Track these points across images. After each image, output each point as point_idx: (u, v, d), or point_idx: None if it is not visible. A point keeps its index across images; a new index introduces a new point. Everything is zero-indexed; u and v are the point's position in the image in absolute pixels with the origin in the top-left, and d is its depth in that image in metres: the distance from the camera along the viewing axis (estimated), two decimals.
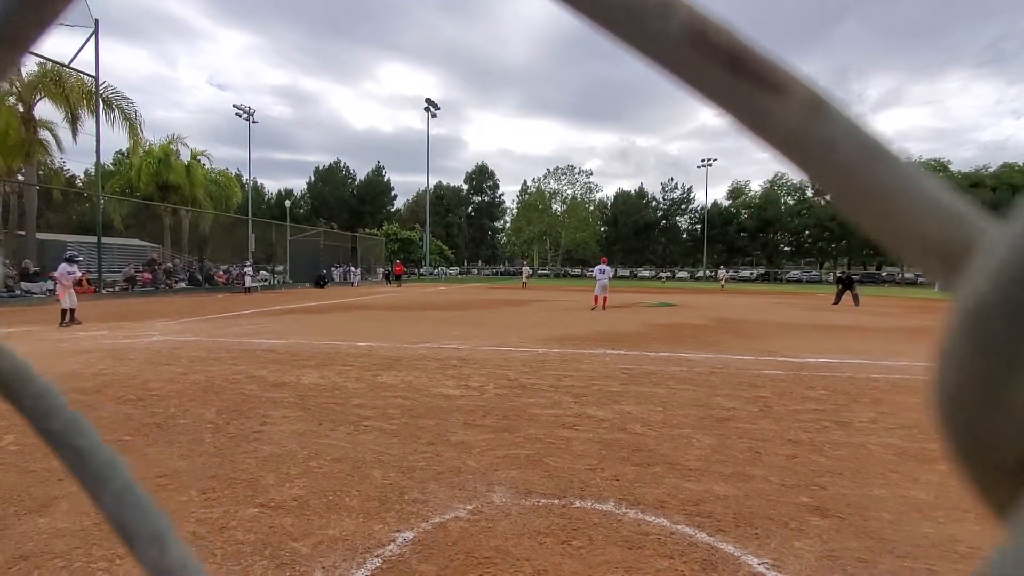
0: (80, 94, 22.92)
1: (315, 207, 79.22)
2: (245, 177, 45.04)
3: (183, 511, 2.94)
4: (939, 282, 0.16)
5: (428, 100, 54.17)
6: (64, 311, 11.35)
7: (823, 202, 67.09)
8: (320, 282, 34.40)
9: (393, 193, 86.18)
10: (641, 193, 78.93)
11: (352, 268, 40.49)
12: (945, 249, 0.16)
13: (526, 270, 39.00)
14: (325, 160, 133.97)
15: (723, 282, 41.58)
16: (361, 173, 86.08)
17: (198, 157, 34.41)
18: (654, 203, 79.02)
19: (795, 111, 0.17)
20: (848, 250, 66.12)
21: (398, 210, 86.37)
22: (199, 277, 29.31)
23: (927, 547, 2.65)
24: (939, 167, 64.52)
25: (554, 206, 77.09)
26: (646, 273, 74.75)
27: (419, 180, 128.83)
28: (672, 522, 2.87)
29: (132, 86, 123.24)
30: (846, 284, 22.24)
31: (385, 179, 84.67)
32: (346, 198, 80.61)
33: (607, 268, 17.65)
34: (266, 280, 34.16)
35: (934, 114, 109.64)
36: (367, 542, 2.63)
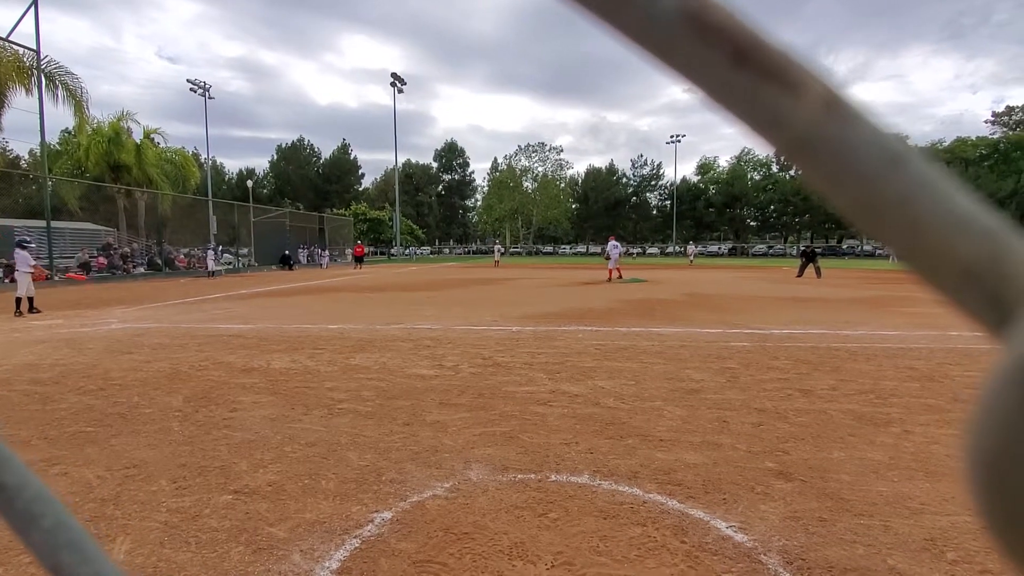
0: (12, 69, 21.36)
1: (279, 187, 76.87)
2: (204, 156, 43.28)
3: (153, 501, 2.88)
4: (964, 310, 0.15)
5: (394, 75, 52.80)
6: (19, 299, 10.80)
7: (788, 176, 68.53)
8: (287, 264, 33.63)
9: (360, 172, 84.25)
10: (612, 170, 79.20)
11: (319, 250, 39.67)
12: (970, 270, 0.14)
13: (498, 249, 38.88)
14: (287, 137, 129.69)
15: (692, 257, 42.38)
16: (326, 151, 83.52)
17: (151, 136, 32.83)
18: (624, 180, 79.46)
19: (809, 111, 0.15)
20: (811, 224, 68.09)
21: (366, 189, 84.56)
22: (159, 261, 28.28)
23: (882, 505, 2.80)
24: None
25: (525, 183, 76.75)
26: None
27: (387, 158, 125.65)
28: (645, 491, 2.96)
29: (75, 59, 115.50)
30: (809, 257, 22.96)
31: (351, 157, 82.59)
32: (311, 177, 78.41)
33: (617, 244, 20.77)
34: (230, 263, 33.19)
35: (896, 89, 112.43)
36: (345, 524, 2.63)
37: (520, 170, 77.17)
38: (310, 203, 70.86)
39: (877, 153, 0.15)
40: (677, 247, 69.38)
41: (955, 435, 3.80)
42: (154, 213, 33.58)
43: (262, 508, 2.79)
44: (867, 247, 62.55)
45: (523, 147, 78.98)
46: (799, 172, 0.16)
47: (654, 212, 79.51)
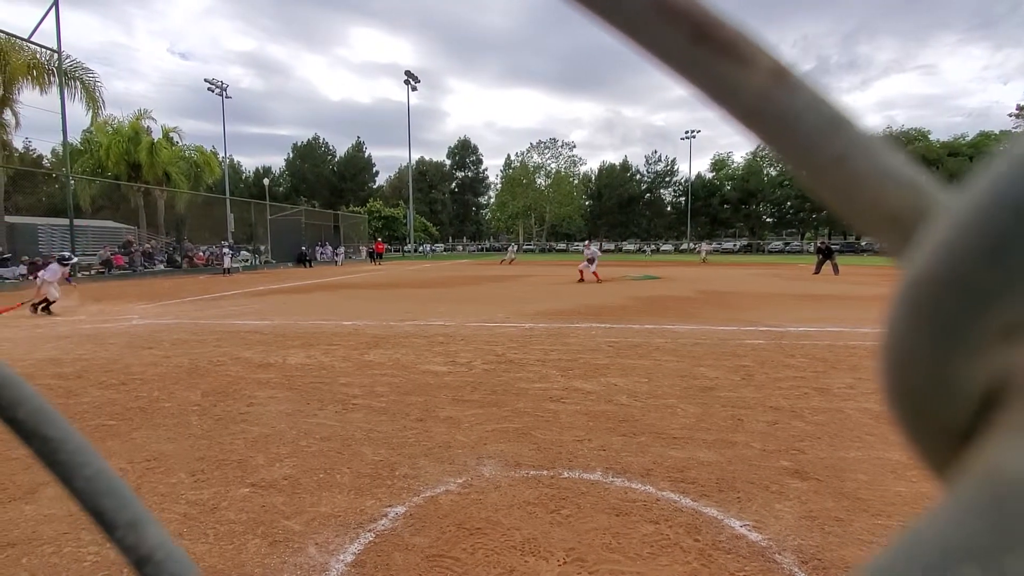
0: (25, 68, 21.69)
1: (295, 185, 77.66)
2: (221, 154, 43.90)
3: (173, 493, 2.94)
4: (891, 252, 0.16)
5: (408, 73, 52.97)
6: (38, 303, 10.71)
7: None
8: (303, 261, 33.99)
9: (375, 169, 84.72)
10: (625, 166, 78.65)
11: (331, 247, 40.01)
12: (897, 218, 0.16)
13: (512, 248, 38.68)
14: (301, 134, 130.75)
15: (704, 255, 41.77)
16: (341, 148, 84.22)
17: (170, 134, 33.37)
18: (638, 176, 78.85)
19: (759, 82, 0.17)
20: (828, 221, 66.96)
21: (380, 187, 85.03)
22: (177, 259, 28.76)
23: (900, 505, 2.76)
24: (919, 136, 65.16)
25: (538, 180, 76.53)
26: (631, 246, 75.10)
27: (400, 155, 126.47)
28: (658, 489, 2.95)
29: (88, 55, 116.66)
30: (826, 254, 22.57)
31: (366, 155, 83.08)
32: (327, 175, 79.07)
33: (594, 247, 20.77)
34: (247, 260, 33.65)
35: (923, 80, 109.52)
36: (359, 518, 2.66)
37: (533, 167, 76.99)
38: (325, 201, 71.48)
39: (818, 118, 0.16)
40: (692, 244, 68.79)
41: None
42: (173, 211, 34.20)
43: (278, 501, 2.83)
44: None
45: (535, 144, 78.85)
46: (752, 135, 0.17)
47: (668, 209, 78.81)
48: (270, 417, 4.16)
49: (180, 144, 34.04)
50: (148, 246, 28.29)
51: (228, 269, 26.41)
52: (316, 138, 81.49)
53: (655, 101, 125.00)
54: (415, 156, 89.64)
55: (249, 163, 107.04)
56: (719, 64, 0.17)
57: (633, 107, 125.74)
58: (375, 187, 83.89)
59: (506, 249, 38.65)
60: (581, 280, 18.53)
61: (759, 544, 2.42)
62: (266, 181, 52.02)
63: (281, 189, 76.52)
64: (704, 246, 43.83)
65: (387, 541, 2.45)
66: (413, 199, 58.98)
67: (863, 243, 62.70)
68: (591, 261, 18.77)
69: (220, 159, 41.38)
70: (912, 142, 63.76)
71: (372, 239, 46.87)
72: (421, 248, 60.84)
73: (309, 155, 79.58)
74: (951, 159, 56.34)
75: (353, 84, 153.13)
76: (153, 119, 32.79)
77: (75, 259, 11.84)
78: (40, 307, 10.76)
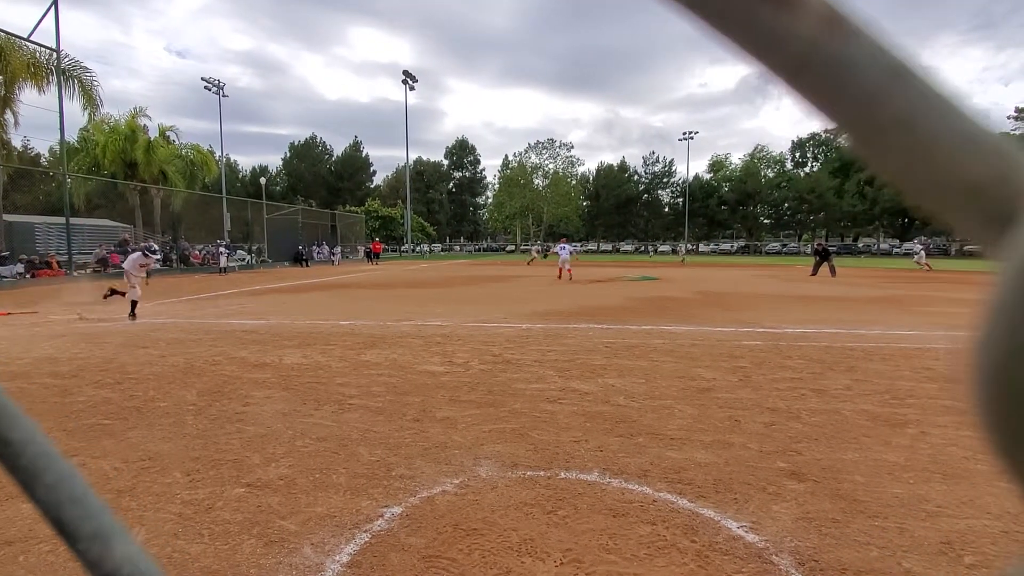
0: (25, 68, 21.59)
1: (291, 184, 77.47)
2: (217, 153, 43.79)
3: (168, 493, 2.92)
4: (966, 231, 0.14)
5: (406, 72, 52.92)
6: (134, 302, 9.77)
7: (803, 174, 67.51)
8: (300, 261, 33.91)
9: (372, 169, 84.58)
10: (623, 167, 78.71)
11: (328, 247, 39.93)
12: (977, 190, 0.13)
13: (536, 248, 38.40)
14: (298, 133, 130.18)
15: (683, 256, 40.92)
16: (338, 147, 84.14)
17: (167, 132, 33.25)
18: (636, 177, 78.92)
19: (808, 29, 0.14)
20: (826, 222, 67.16)
21: (378, 186, 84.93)
22: (173, 257, 28.66)
23: (897, 507, 2.76)
24: None
25: (536, 181, 76.54)
26: (628, 247, 75.16)
27: (398, 155, 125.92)
28: (655, 490, 2.95)
29: (85, 55, 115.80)
30: (823, 256, 22.63)
31: (363, 155, 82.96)
32: (324, 175, 78.91)
33: (567, 246, 22.64)
34: (244, 259, 33.55)
35: None
36: (355, 518, 2.65)
37: (531, 167, 76.99)
38: (322, 200, 71.31)
39: (878, 70, 0.14)
40: (689, 245, 68.93)
41: (975, 437, 3.73)
42: (169, 210, 34.08)
43: (274, 501, 2.82)
44: (883, 246, 61.62)
45: (533, 144, 78.84)
46: (797, 95, 0.15)
47: (666, 210, 78.90)
48: (266, 417, 4.15)
49: (177, 143, 33.92)
50: (145, 245, 28.13)
51: (224, 268, 26.34)
52: (313, 137, 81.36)
53: (654, 102, 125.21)
54: (413, 156, 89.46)
55: (246, 162, 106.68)
56: (762, 8, 0.14)
57: (632, 108, 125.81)
58: (372, 187, 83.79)
59: (529, 250, 38.32)
60: (560, 278, 20.84)
61: (756, 545, 2.42)
62: (263, 180, 51.84)
63: (278, 188, 76.31)
64: (682, 247, 43.08)
65: (383, 542, 2.44)
66: (411, 199, 58.92)
67: (860, 245, 62.87)
68: (564, 260, 21.62)
69: (217, 158, 41.29)
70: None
71: (369, 239, 46.79)
72: (419, 248, 60.78)
73: (306, 154, 79.43)
74: None
75: (351, 83, 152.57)
76: (149, 117, 32.72)
77: (159, 252, 11.05)
78: (128, 305, 9.70)
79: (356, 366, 5.80)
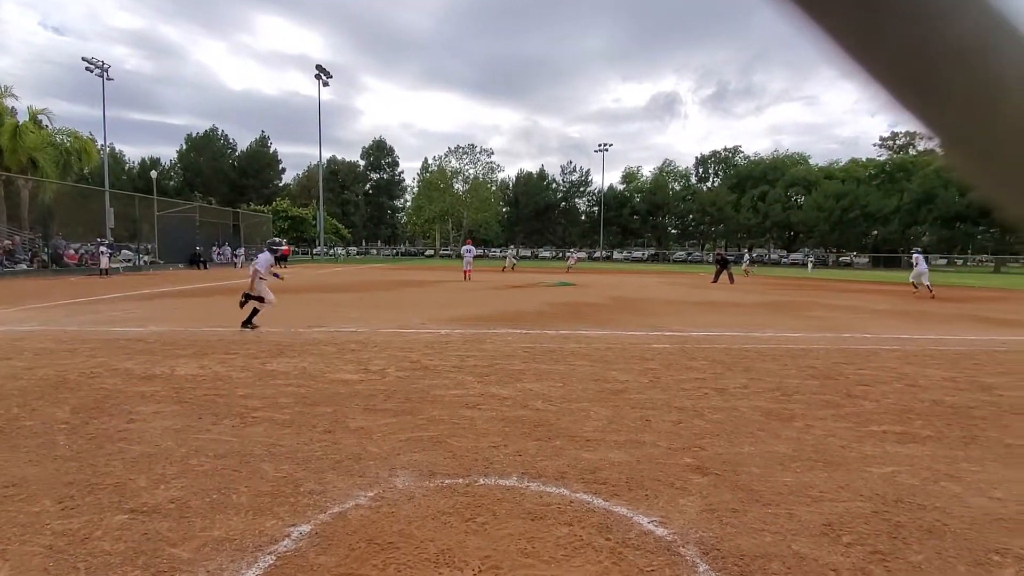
0: None
1: (188, 179, 71.42)
2: (100, 142, 39.39)
3: (36, 523, 2.55)
4: None
5: (319, 67, 50.75)
6: (255, 309, 8.60)
7: (705, 188, 72.61)
8: (197, 263, 31.30)
9: (281, 166, 79.90)
10: (542, 175, 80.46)
11: (231, 248, 37.23)
12: None
13: (511, 254, 37.15)
14: (197, 124, 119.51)
15: (571, 263, 39.79)
16: (242, 141, 78.25)
17: (38, 116, 29.44)
18: (554, 185, 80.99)
19: None
20: (725, 233, 72.75)
21: (287, 185, 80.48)
22: (45, 257, 25.36)
23: (787, 494, 3.01)
24: (801, 160, 72.91)
25: (456, 185, 76.25)
26: (547, 253, 76.82)
27: (310, 152, 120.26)
28: (572, 491, 3.00)
29: None
30: (723, 264, 24.48)
31: (271, 150, 78.23)
32: (226, 170, 73.42)
33: (472, 248, 24.47)
34: (129, 260, 30.41)
35: (808, 110, 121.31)
36: (258, 540, 2.46)
37: (451, 172, 76.57)
38: (224, 198, 66.37)
39: None
40: (604, 252, 71.85)
41: (849, 428, 4.17)
42: (38, 203, 30.09)
43: (163, 527, 2.55)
44: (773, 255, 67.84)
45: (453, 148, 78.40)
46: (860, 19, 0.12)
47: (583, 218, 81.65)
48: (154, 434, 3.75)
49: (50, 128, 30.12)
50: (8, 243, 24.68)
51: (106, 270, 23.67)
52: (214, 129, 75.59)
53: (571, 113, 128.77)
54: (327, 154, 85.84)
55: (134, 153, 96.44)
56: None
57: (550, 118, 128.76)
58: (281, 185, 79.26)
59: (506, 256, 37.20)
60: (468, 279, 22.20)
61: (665, 539, 2.53)
62: (154, 173, 47.54)
63: (172, 183, 70.08)
64: (572, 254, 42.95)
65: (290, 563, 2.28)
66: (324, 199, 56.40)
67: (755, 255, 68.76)
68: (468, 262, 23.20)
69: (99, 146, 37.09)
70: (796, 164, 71.12)
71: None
72: (332, 251, 58.28)
73: (206, 147, 73.58)
74: (826, 181, 63.49)
75: (258, 74, 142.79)
76: (16, 97, 28.82)
77: (284, 246, 9.13)
78: (249, 315, 8.55)
79: (261, 376, 5.42)
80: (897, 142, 72.80)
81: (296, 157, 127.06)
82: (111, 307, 11.43)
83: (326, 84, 52.11)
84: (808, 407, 4.69)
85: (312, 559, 2.32)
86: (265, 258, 9.05)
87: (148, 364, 5.85)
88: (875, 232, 61.18)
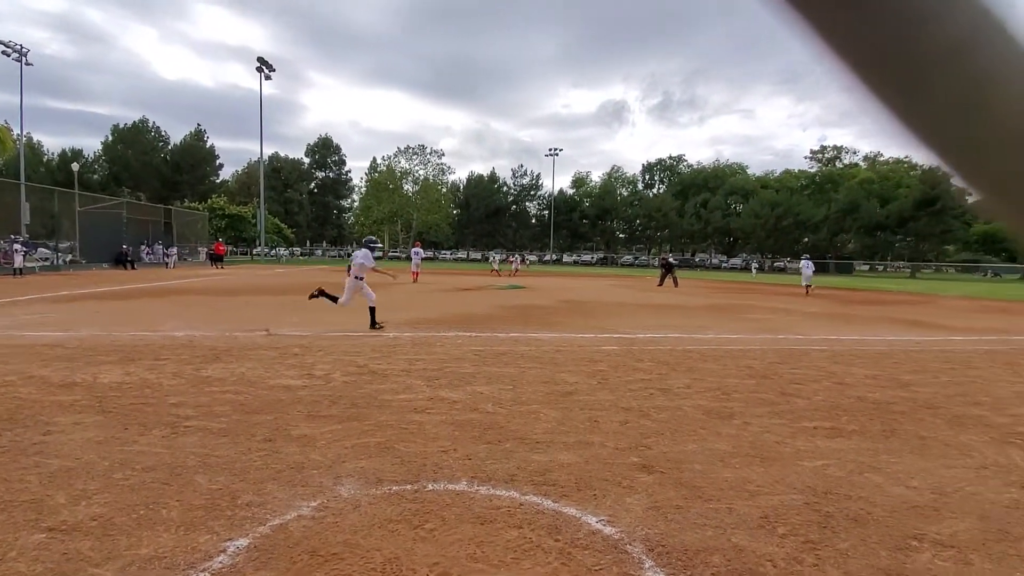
0: None
1: (115, 173, 66.80)
2: (15, 131, 36.21)
3: None
4: None
5: (261, 60, 48.80)
6: (373, 309, 8.90)
7: (651, 194, 74.98)
8: (124, 262, 29.31)
9: (219, 162, 76.10)
10: (493, 178, 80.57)
11: (162, 247, 35.09)
12: None
13: (496, 257, 36.08)
14: (125, 115, 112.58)
15: (515, 266, 38.24)
16: (176, 135, 74.09)
17: None
18: (505, 188, 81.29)
19: None
20: (670, 238, 75.36)
21: (225, 181, 76.76)
22: None
23: (727, 489, 3.14)
24: (739, 170, 76.68)
25: (406, 186, 75.11)
26: (498, 256, 76.97)
27: (251, 148, 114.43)
28: (521, 493, 3.01)
29: None
30: (668, 268, 25.30)
31: (208, 145, 74.40)
32: (157, 164, 69.15)
33: (420, 250, 25.00)
34: (47, 259, 28.11)
35: (745, 122, 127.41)
36: (190, 557, 2.31)
37: (400, 172, 75.34)
38: (155, 194, 62.55)
39: None
40: (554, 255, 72.76)
41: (783, 424, 4.39)
42: None
43: (84, 547, 2.35)
44: (715, 260, 70.87)
45: (403, 149, 77.24)
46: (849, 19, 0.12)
47: (533, 221, 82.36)
48: (74, 447, 3.47)
49: None
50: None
51: (20, 269, 21.78)
52: (145, 121, 71.14)
53: (523, 118, 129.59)
54: (269, 151, 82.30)
55: (53, 144, 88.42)
56: None
57: (502, 121, 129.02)
58: (219, 181, 75.54)
59: (494, 259, 35.82)
60: (416, 281, 22.40)
61: (613, 537, 2.57)
62: (75, 166, 44.09)
63: (96, 177, 65.37)
64: (494, 255, 41.69)
65: None
66: (265, 197, 54.17)
67: (697, 259, 71.51)
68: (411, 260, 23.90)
69: (14, 136, 34.08)
70: (735, 174, 74.72)
71: (214, 239, 41.88)
72: (274, 251, 56.03)
73: (135, 140, 69.09)
74: (762, 190, 67.07)
75: (194, 64, 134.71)
76: None
77: (379, 244, 8.59)
78: (370, 316, 8.78)
79: (194, 383, 5.13)
80: (826, 155, 77.98)
81: (236, 153, 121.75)
82: (26, 310, 10.50)
83: (268, 78, 50.17)
84: (746, 405, 4.91)
85: (250, 574, 2.20)
86: (365, 254, 8.91)
87: (67, 371, 5.41)
88: (806, 239, 65.14)
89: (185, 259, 39.03)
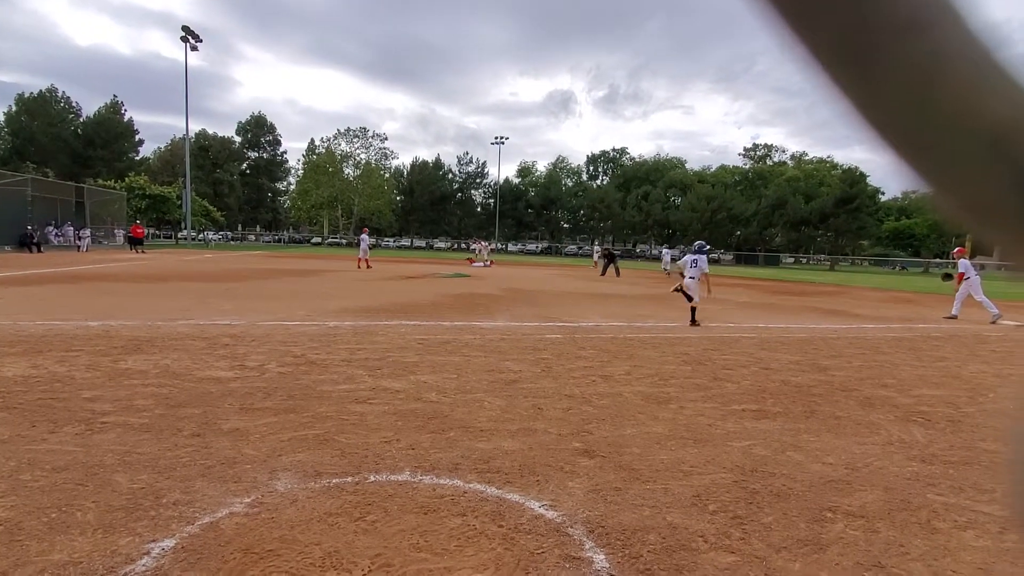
0: None
1: (18, 147, 60.65)
2: None
3: None
4: (983, 191, 0.12)
5: (186, 28, 45.43)
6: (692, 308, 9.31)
7: (596, 185, 76.36)
8: (28, 245, 26.74)
9: (138, 138, 70.64)
10: (438, 164, 79.40)
11: (74, 228, 32.27)
12: (1001, 137, 0.11)
13: (478, 247, 33.24)
14: (29, 83, 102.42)
15: (485, 254, 38.07)
16: (90, 106, 68.63)
17: None
18: (451, 175, 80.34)
19: None
20: (613, 229, 77.22)
21: (147, 159, 71.42)
22: None
23: (663, 471, 3.27)
24: (679, 164, 79.52)
25: (346, 170, 72.62)
26: (442, 244, 76.19)
27: (175, 124, 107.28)
28: (465, 482, 3.00)
29: None
30: (610, 258, 25.93)
31: (126, 119, 68.85)
32: (67, 138, 63.37)
33: (366, 236, 24.56)
34: None
35: (684, 118, 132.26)
36: (110, 561, 2.16)
37: (341, 155, 72.71)
38: (65, 170, 57.28)
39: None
40: (499, 244, 72.84)
41: (715, 408, 4.63)
42: None
43: None
44: (655, 252, 73.47)
45: (344, 131, 74.50)
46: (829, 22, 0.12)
47: (479, 209, 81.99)
48: None
49: None
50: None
51: None
52: (53, 90, 64.90)
53: (469, 104, 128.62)
54: (196, 127, 77.51)
55: None
56: None
57: (448, 107, 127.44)
58: (139, 159, 70.20)
59: (474, 249, 32.82)
60: (362, 267, 22.52)
61: (555, 521, 2.62)
62: None
63: None
64: (484, 244, 41.76)
65: None
66: (191, 177, 50.77)
67: (638, 250, 73.78)
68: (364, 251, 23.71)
69: None
70: (674, 168, 77.44)
71: (132, 221, 38.80)
72: (202, 236, 52.76)
73: (42, 110, 62.88)
74: (699, 184, 69.92)
75: (110, 30, 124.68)
76: None
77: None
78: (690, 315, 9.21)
79: (112, 376, 4.77)
80: (757, 153, 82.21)
81: (158, 128, 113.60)
82: None
83: (195, 48, 46.77)
84: (682, 390, 5.13)
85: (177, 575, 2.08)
86: (688, 260, 9.66)
87: None
88: (738, 232, 68.70)
89: (100, 242, 36.12)
